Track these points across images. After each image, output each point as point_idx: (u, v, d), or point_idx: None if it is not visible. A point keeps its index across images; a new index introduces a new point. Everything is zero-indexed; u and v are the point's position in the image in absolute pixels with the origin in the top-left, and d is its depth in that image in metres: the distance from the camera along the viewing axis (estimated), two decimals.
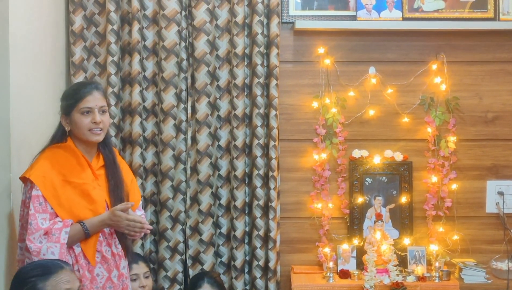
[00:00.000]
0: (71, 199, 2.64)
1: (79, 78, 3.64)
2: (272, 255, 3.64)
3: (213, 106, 3.70)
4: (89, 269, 2.64)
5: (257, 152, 3.65)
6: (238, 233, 3.69)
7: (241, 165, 3.68)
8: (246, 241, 3.74)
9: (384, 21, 3.74)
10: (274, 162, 3.62)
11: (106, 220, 2.65)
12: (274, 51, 3.63)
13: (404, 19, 3.76)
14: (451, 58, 3.81)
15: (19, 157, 2.76)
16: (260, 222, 3.66)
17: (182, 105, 3.66)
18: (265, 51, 3.66)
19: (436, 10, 3.78)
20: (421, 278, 3.56)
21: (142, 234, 2.80)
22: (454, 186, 3.80)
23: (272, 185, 3.63)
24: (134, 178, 3.04)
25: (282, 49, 3.76)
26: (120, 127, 3.70)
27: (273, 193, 3.63)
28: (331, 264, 3.62)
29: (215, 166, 3.72)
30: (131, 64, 3.62)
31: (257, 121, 3.65)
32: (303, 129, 3.83)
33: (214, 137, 3.71)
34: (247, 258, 3.75)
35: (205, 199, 3.69)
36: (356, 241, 3.77)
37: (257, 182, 3.65)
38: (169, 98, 3.63)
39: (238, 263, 3.70)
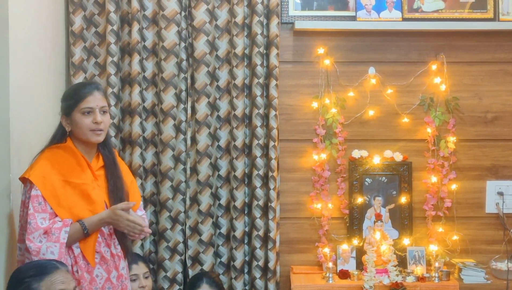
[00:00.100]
0: (71, 200, 2.64)
1: (79, 78, 3.64)
2: (272, 256, 3.64)
3: (213, 107, 3.70)
4: (88, 270, 2.64)
5: (257, 152, 3.65)
6: (238, 233, 3.69)
7: (240, 166, 3.68)
8: (246, 241, 3.74)
9: (383, 22, 3.75)
10: (273, 163, 3.62)
11: (106, 219, 2.64)
12: (273, 52, 3.63)
13: (404, 19, 3.76)
14: (450, 59, 3.81)
15: (19, 157, 2.76)
16: (259, 223, 3.66)
17: (181, 106, 3.66)
18: (264, 51, 3.66)
19: (436, 11, 3.78)
20: (420, 279, 3.57)
21: (142, 236, 2.80)
22: (453, 187, 3.81)
23: (271, 186, 3.63)
24: (134, 179, 3.04)
25: (282, 50, 3.77)
26: (119, 127, 3.70)
27: (272, 194, 3.63)
28: (330, 264, 3.62)
29: (214, 167, 3.72)
30: (130, 65, 3.62)
31: (257, 122, 3.65)
32: (303, 130, 3.83)
33: (214, 137, 3.71)
34: (247, 258, 3.75)
35: (205, 199, 3.70)
36: (355, 242, 3.77)
37: (257, 183, 3.65)
38: (168, 98, 3.64)
39: (238, 263, 3.70)
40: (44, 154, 2.68)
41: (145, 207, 3.65)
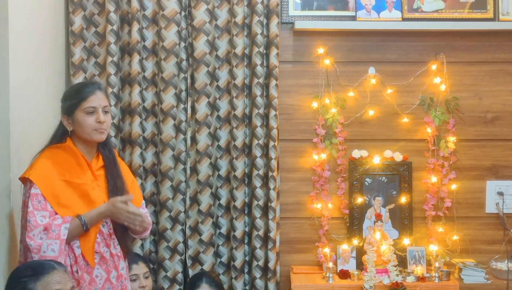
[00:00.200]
0: (71, 199, 2.64)
1: (79, 78, 3.64)
2: (272, 255, 3.64)
3: (213, 106, 3.70)
4: (87, 271, 2.63)
5: (257, 152, 3.65)
6: (238, 233, 3.69)
7: (240, 165, 3.68)
8: (246, 241, 3.74)
9: (383, 22, 3.75)
10: (273, 162, 3.62)
11: (105, 212, 2.64)
12: (273, 51, 3.63)
13: (404, 19, 3.76)
14: (450, 59, 3.81)
15: (19, 157, 2.76)
16: (259, 222, 3.66)
17: (181, 105, 3.66)
18: (264, 51, 3.66)
19: (436, 11, 3.78)
20: (420, 278, 3.56)
21: (144, 235, 2.80)
22: (453, 186, 3.80)
23: (271, 185, 3.63)
24: (135, 179, 3.04)
25: (282, 49, 3.76)
26: (119, 127, 3.70)
27: (272, 193, 3.63)
28: (330, 264, 3.62)
29: (214, 166, 3.72)
30: (130, 64, 3.62)
31: (257, 121, 3.65)
32: (303, 129, 3.83)
33: (214, 137, 3.71)
34: (247, 258, 3.75)
35: (205, 199, 3.69)
36: (355, 241, 3.77)
37: (257, 182, 3.65)
38: (168, 98, 3.63)
39: (238, 263, 3.70)
40: (44, 153, 2.68)
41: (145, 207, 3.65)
